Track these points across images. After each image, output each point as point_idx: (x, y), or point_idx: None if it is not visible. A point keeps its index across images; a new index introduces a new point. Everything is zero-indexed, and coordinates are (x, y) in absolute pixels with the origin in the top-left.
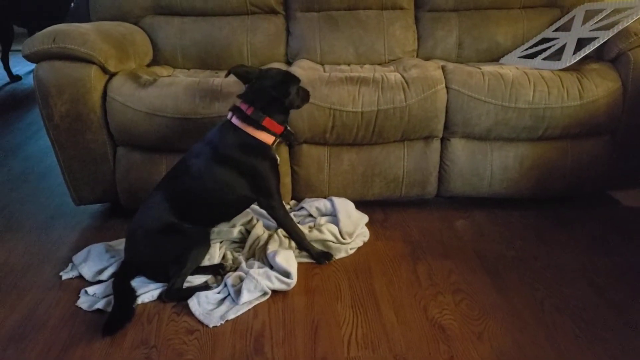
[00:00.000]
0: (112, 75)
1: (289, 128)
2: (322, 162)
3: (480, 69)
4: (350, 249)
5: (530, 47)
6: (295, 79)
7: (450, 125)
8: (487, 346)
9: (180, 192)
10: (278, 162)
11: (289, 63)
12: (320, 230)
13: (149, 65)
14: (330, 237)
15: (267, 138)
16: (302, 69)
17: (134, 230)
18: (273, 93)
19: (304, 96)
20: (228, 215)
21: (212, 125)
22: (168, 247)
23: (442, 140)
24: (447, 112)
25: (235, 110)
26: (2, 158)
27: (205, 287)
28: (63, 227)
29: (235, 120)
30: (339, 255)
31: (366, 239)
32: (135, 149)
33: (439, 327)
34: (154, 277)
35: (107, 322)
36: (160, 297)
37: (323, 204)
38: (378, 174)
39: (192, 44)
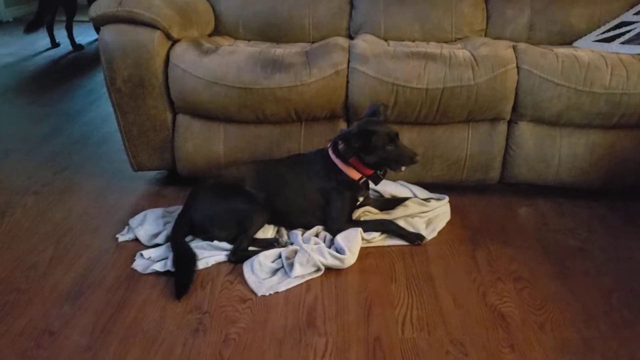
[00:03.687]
0: (174, 41)
1: (379, 173)
2: None
3: (553, 50)
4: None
5: (607, 31)
6: (380, 140)
7: (519, 107)
8: (549, 337)
9: (265, 186)
10: (358, 202)
11: (351, 38)
12: (405, 205)
13: (210, 35)
14: (416, 209)
15: (353, 173)
16: (366, 42)
17: (203, 185)
18: (354, 142)
19: (405, 158)
20: (299, 223)
21: (272, 97)
22: (235, 204)
23: (509, 123)
24: (516, 93)
25: (334, 142)
26: (63, 123)
27: (273, 242)
28: (120, 191)
29: (329, 151)
30: (424, 231)
31: (448, 218)
32: (194, 117)
33: (499, 314)
34: (215, 234)
35: (176, 286)
36: (228, 260)
37: (395, 187)
38: (439, 156)
39: (253, 15)
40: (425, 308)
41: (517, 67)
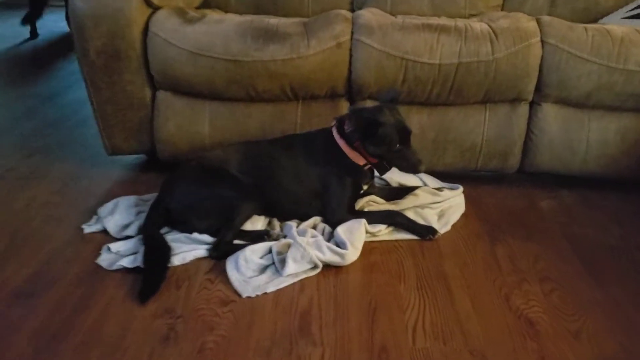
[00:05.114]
0: (156, 9)
1: (385, 163)
2: None
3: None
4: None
5: (637, 7)
6: (388, 136)
7: (543, 86)
8: (586, 348)
9: (255, 170)
10: (362, 190)
11: (354, 12)
12: (415, 194)
13: (198, 8)
14: (427, 199)
15: (357, 158)
16: (372, 14)
17: (183, 168)
18: (358, 128)
19: (408, 164)
20: (294, 213)
21: (264, 71)
22: (219, 190)
23: (532, 104)
24: (540, 70)
25: (339, 121)
26: (37, 105)
27: (263, 234)
28: (92, 178)
29: (334, 130)
30: (436, 224)
31: (463, 210)
32: (176, 94)
33: (526, 321)
34: (195, 225)
35: (142, 286)
36: (209, 255)
37: (403, 175)
38: (452, 141)
39: None
40: (440, 313)
41: (542, 40)
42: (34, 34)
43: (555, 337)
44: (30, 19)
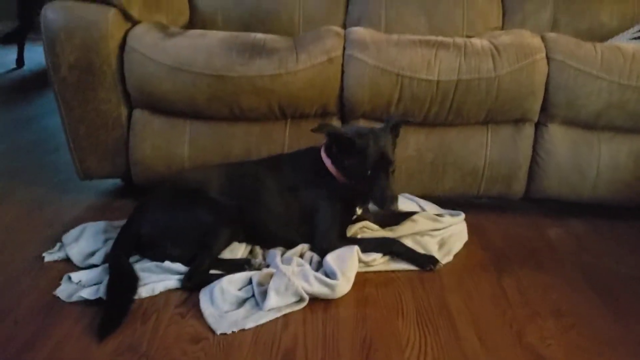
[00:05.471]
0: (135, 23)
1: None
2: None
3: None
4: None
5: None
6: (365, 162)
7: (550, 106)
8: None
9: (236, 192)
10: (354, 215)
11: None
12: (413, 220)
13: (182, 28)
14: (427, 225)
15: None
16: (365, 30)
17: (157, 190)
18: (334, 144)
19: (380, 196)
20: (278, 240)
21: (250, 88)
22: (195, 213)
23: (537, 125)
24: (546, 88)
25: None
26: (11, 128)
27: (243, 263)
28: (61, 203)
29: (322, 149)
30: (437, 253)
31: (465, 239)
32: (154, 112)
33: None
34: (167, 252)
35: (101, 320)
36: (182, 286)
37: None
38: (452, 164)
39: (235, 5)
40: (444, 351)
41: (547, 57)
42: (20, 63)
43: None
44: (14, 39)
